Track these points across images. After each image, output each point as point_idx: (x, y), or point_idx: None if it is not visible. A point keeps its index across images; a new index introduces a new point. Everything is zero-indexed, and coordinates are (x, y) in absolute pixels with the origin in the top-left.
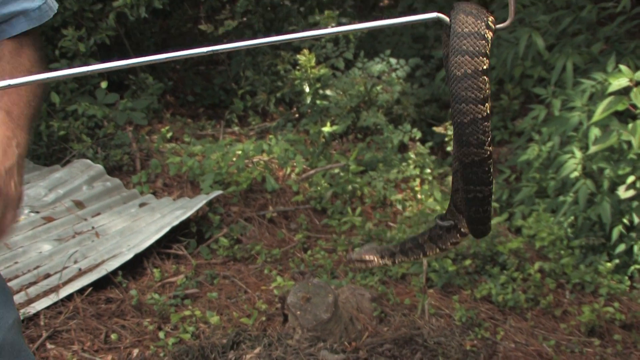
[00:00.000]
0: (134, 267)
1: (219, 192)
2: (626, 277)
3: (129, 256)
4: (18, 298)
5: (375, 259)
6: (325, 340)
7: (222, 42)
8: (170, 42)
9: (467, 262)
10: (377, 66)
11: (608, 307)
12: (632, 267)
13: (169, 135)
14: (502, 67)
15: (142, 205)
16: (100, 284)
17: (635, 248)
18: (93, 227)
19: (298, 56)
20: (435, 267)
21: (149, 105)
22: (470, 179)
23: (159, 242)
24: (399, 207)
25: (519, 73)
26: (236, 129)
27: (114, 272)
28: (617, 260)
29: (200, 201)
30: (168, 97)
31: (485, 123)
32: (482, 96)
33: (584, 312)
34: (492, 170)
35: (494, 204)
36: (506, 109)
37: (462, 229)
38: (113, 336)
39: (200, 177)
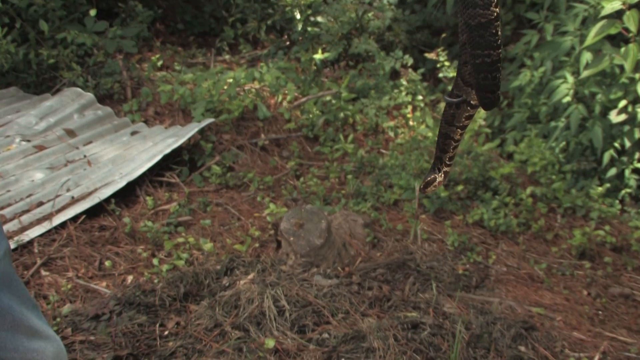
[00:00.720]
0: (127, 195)
1: (211, 120)
2: (617, 201)
3: (121, 184)
4: (11, 226)
5: (436, 176)
6: (319, 266)
7: None
8: None
9: (459, 187)
10: None
11: (599, 230)
12: (623, 191)
13: (159, 63)
14: None
15: (133, 133)
16: (94, 212)
17: (627, 172)
18: (85, 156)
19: None
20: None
21: (139, 33)
22: (477, 42)
23: (151, 170)
24: (391, 134)
25: None
26: (227, 57)
27: (107, 200)
28: (608, 185)
29: (192, 129)
30: (158, 25)
31: None
32: None
33: (575, 235)
34: (499, 33)
35: (486, 130)
36: None
37: (471, 102)
38: (107, 263)
39: (191, 105)
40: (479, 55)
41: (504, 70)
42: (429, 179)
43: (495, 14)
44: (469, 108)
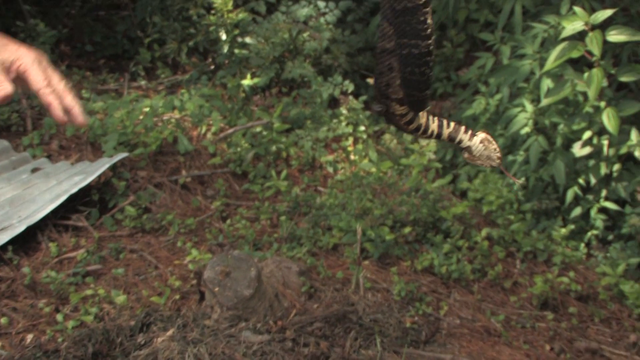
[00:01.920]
0: (27, 241)
1: (124, 154)
2: (582, 244)
3: (20, 229)
4: None
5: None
6: (248, 320)
7: None
8: None
9: (407, 229)
10: (303, 10)
11: (562, 277)
12: (589, 233)
13: None
14: (444, 11)
15: (34, 170)
16: None
17: (592, 212)
18: None
19: None
20: (370, 235)
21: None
22: (403, 30)
23: (55, 213)
24: (330, 169)
25: (463, 17)
26: (143, 82)
27: (4, 247)
28: (572, 226)
29: (102, 165)
30: (63, 46)
31: None
32: None
33: (536, 283)
34: (429, 22)
35: (436, 164)
36: (449, 58)
37: (395, 112)
38: (3, 320)
39: (102, 137)
40: (405, 45)
41: (457, 97)
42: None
43: None
44: (396, 107)
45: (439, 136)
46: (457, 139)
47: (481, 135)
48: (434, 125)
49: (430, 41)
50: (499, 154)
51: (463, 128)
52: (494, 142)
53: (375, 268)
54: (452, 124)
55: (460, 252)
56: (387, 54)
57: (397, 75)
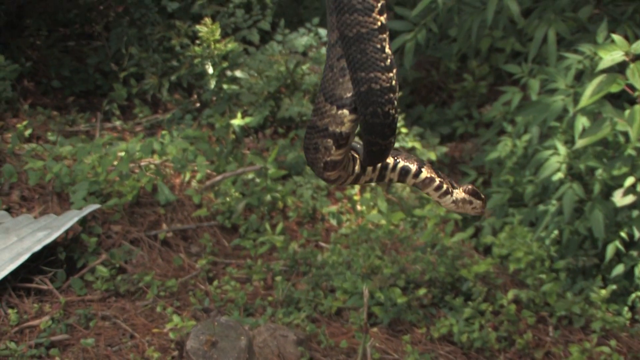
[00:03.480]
0: None
1: (96, 206)
2: (625, 308)
3: None
4: None
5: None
6: None
7: (96, 9)
8: (29, 11)
9: (421, 291)
10: (302, 39)
11: (602, 346)
12: (633, 295)
13: (27, 132)
14: (466, 39)
15: None
16: None
17: (637, 270)
18: None
19: (198, 27)
20: (380, 298)
21: (0, 93)
22: (358, 61)
23: (15, 274)
24: (333, 222)
25: (486, 46)
26: (118, 123)
27: None
28: (613, 286)
29: (70, 219)
30: (26, 82)
31: None
32: None
33: (572, 353)
34: (388, 50)
35: (455, 215)
36: (470, 93)
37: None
38: None
39: (70, 187)
40: (362, 81)
41: (479, 138)
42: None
43: (380, 23)
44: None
45: (400, 181)
46: (424, 191)
47: (460, 195)
48: (392, 174)
49: (391, 74)
50: (479, 212)
51: (437, 181)
52: (476, 202)
53: (385, 336)
54: (424, 172)
55: (483, 318)
56: (316, 132)
57: (321, 158)
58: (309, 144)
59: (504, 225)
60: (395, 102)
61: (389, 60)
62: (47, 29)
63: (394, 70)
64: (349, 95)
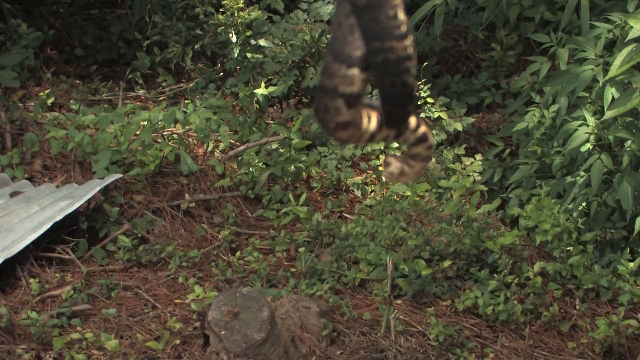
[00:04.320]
0: (4, 276)
1: (118, 175)
2: None
3: None
4: None
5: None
6: None
7: None
8: None
9: (446, 263)
10: (327, 7)
11: (630, 319)
12: None
13: (49, 101)
14: (494, 8)
15: (13, 194)
16: None
17: None
18: None
19: None
20: (404, 270)
21: (23, 61)
22: (372, 31)
23: (36, 244)
24: (358, 192)
25: (515, 15)
26: (140, 92)
27: None
28: None
29: (92, 188)
30: (49, 50)
31: None
32: None
33: (598, 326)
34: (402, 17)
35: (481, 187)
36: (498, 63)
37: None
38: None
39: (92, 156)
40: (378, 50)
41: (507, 108)
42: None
43: None
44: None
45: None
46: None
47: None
48: (411, 136)
49: (407, 41)
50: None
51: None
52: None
53: (408, 308)
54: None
55: (509, 290)
56: (325, 92)
57: (331, 119)
58: (319, 104)
59: (530, 197)
60: (413, 70)
61: (404, 27)
62: None
63: (410, 37)
64: (358, 53)
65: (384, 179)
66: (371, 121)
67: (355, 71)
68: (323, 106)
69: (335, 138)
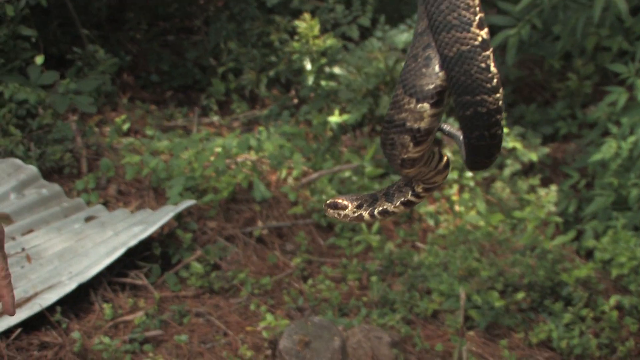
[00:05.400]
0: (78, 301)
1: (192, 202)
2: None
3: (70, 287)
4: None
5: (350, 205)
6: None
7: (196, 3)
8: (130, 5)
9: (520, 295)
10: (402, 35)
11: None
12: None
13: (125, 126)
14: (570, 37)
15: (89, 219)
16: (33, 324)
17: None
18: (23, 249)
19: (297, 22)
20: (477, 301)
21: (100, 87)
22: (462, 84)
23: (110, 269)
24: (431, 222)
25: (592, 45)
26: (215, 118)
27: (51, 308)
28: None
29: (165, 214)
30: (125, 76)
31: None
32: None
33: None
34: (493, 69)
35: (557, 218)
36: (575, 93)
37: (416, 190)
38: None
39: (166, 182)
40: (467, 104)
41: (583, 139)
42: (341, 201)
43: (481, 38)
44: (412, 197)
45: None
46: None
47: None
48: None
49: (498, 94)
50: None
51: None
52: None
53: (481, 340)
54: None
55: (584, 324)
56: (393, 126)
57: (398, 155)
58: (385, 139)
59: (607, 229)
60: (501, 122)
61: (495, 80)
62: (147, 22)
63: (501, 90)
64: (431, 87)
65: (457, 208)
66: (442, 160)
67: (425, 105)
68: (389, 141)
69: (402, 174)
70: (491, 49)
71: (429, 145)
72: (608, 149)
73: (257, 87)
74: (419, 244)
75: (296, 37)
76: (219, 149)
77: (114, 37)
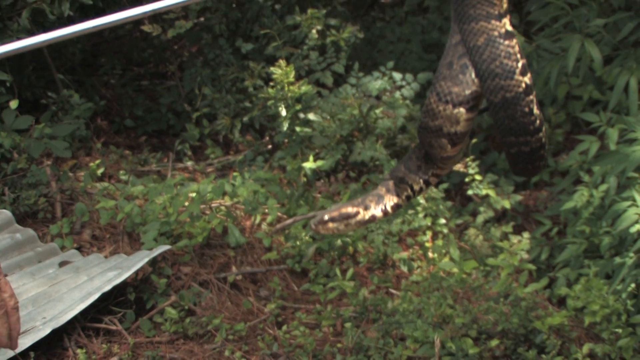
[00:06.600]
0: (52, 346)
1: (166, 247)
2: None
3: (44, 332)
4: None
5: (360, 211)
6: None
7: (170, 48)
8: (104, 50)
9: (494, 342)
10: (376, 82)
11: None
12: None
13: (99, 171)
14: (543, 86)
15: (63, 264)
16: None
17: None
18: None
19: (272, 68)
20: (451, 348)
21: (74, 131)
22: (507, 127)
23: (84, 314)
24: (404, 268)
25: (563, 93)
26: (189, 163)
27: (25, 353)
28: None
29: (140, 259)
30: (99, 120)
31: (507, 42)
32: (496, 12)
33: None
34: (537, 112)
35: (529, 266)
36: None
37: (413, 185)
38: None
39: (141, 227)
40: (512, 144)
41: (555, 187)
42: (349, 210)
43: (524, 84)
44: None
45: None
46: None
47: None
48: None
49: (541, 134)
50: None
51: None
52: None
53: None
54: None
55: None
56: (429, 132)
57: (437, 153)
58: (423, 140)
59: (579, 277)
60: (545, 156)
61: (538, 122)
62: (122, 67)
63: (544, 129)
64: (467, 92)
65: (430, 254)
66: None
67: (462, 110)
68: (428, 142)
69: (439, 167)
70: (534, 93)
71: (465, 144)
72: (580, 197)
73: (231, 132)
74: (393, 291)
75: (271, 84)
76: (193, 194)
77: (88, 82)
